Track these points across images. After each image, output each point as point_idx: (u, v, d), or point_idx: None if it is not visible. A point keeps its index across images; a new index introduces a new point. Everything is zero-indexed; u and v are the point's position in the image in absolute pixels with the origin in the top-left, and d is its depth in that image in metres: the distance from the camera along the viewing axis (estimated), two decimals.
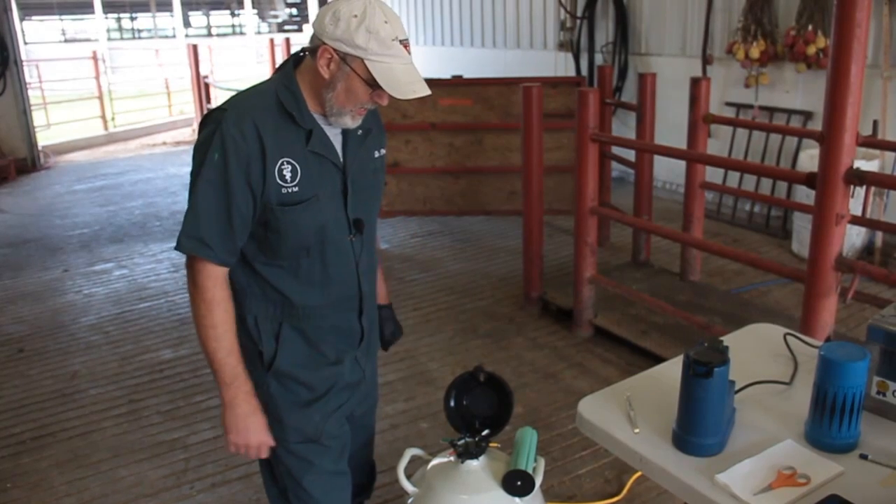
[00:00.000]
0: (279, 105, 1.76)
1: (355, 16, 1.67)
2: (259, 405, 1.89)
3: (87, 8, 24.24)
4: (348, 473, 2.06)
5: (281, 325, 1.90)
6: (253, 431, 1.87)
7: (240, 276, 1.88)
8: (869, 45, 5.37)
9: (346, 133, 1.87)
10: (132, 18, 29.36)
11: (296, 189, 1.78)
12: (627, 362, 4.02)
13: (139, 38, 28.61)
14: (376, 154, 1.98)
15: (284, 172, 1.76)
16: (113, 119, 12.90)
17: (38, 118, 10.67)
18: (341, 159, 1.87)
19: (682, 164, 4.93)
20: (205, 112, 11.06)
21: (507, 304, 4.98)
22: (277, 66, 1.88)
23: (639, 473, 2.93)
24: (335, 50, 1.70)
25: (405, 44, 1.72)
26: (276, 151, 1.74)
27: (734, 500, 1.45)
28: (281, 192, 1.76)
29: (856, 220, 3.67)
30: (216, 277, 1.80)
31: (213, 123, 1.73)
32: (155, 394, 3.99)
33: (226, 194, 1.73)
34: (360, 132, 1.89)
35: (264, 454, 1.92)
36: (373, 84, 1.72)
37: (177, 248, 1.78)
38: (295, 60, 1.83)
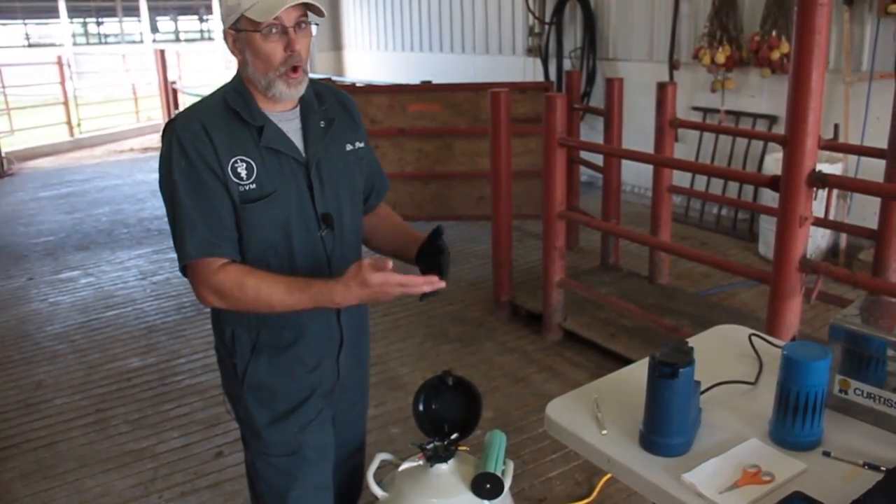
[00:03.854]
0: (226, 105, 1.78)
1: None
2: (339, 281, 1.72)
3: (52, 12, 23.91)
4: (331, 487, 2.02)
5: (259, 334, 1.87)
6: (375, 292, 1.70)
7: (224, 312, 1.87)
8: (831, 51, 5.46)
9: (306, 126, 1.86)
10: (98, 23, 29.02)
11: (253, 186, 1.77)
12: (597, 365, 4.04)
13: (106, 43, 28.31)
14: (348, 147, 1.95)
15: (239, 170, 1.76)
16: (79, 125, 12.74)
17: (1, 124, 10.52)
18: (303, 154, 1.85)
19: (650, 168, 4.97)
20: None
21: (476, 308, 4.99)
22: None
23: (609, 475, 2.95)
24: (228, 28, 1.75)
25: None
26: (227, 150, 1.75)
27: (700, 498, 1.47)
28: (239, 189, 1.76)
29: (819, 223, 3.72)
30: (219, 268, 1.76)
31: (169, 134, 1.75)
32: (122, 403, 3.95)
33: (207, 193, 1.73)
34: (322, 123, 1.87)
35: (402, 278, 1.69)
36: (264, 30, 1.71)
37: (182, 263, 1.76)
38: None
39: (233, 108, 1.77)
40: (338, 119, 1.92)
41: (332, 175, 1.90)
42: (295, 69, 1.75)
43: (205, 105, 1.80)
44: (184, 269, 1.80)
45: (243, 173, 1.76)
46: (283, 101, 1.81)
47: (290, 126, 1.84)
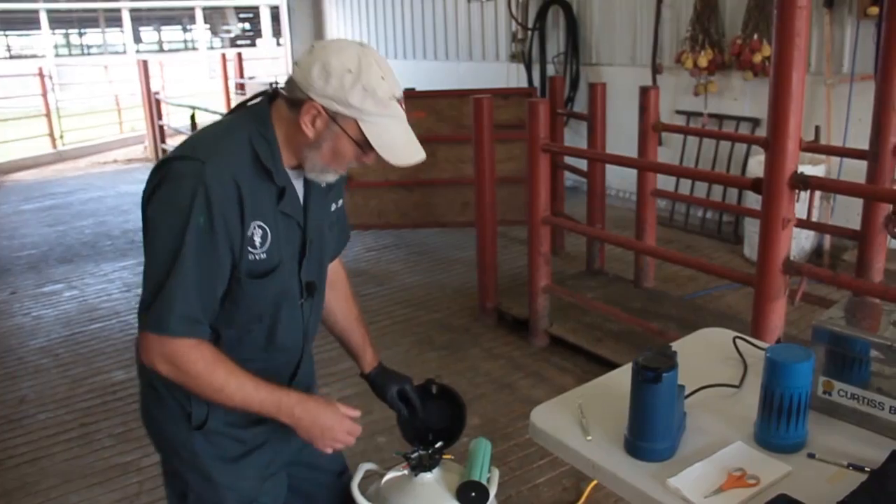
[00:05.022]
0: (255, 157, 1.57)
1: (349, 71, 1.51)
2: (312, 397, 1.73)
3: (34, 23, 23.79)
4: None
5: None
6: (329, 426, 1.71)
7: None
8: (812, 54, 5.50)
9: (308, 186, 1.71)
10: (80, 34, 28.91)
11: (263, 256, 1.62)
12: (583, 370, 4.04)
13: (88, 54, 28.21)
14: (333, 207, 1.83)
15: (255, 238, 1.59)
16: (62, 137, 12.67)
17: None
18: (303, 217, 1.71)
19: (634, 172, 4.98)
20: (162, 148, 10.96)
21: (462, 315, 4.98)
22: (246, 101, 1.68)
23: (596, 481, 2.94)
24: (324, 108, 1.54)
25: (401, 101, 1.59)
26: (251, 213, 1.57)
27: (686, 503, 1.46)
28: (249, 258, 1.60)
29: (802, 224, 3.73)
30: (192, 345, 1.58)
31: (193, 179, 1.49)
32: (107, 416, 3.91)
33: (215, 263, 1.55)
34: (324, 184, 1.72)
35: (358, 429, 1.76)
36: (366, 146, 1.57)
37: (158, 332, 1.54)
38: (267, 98, 1.66)
39: (265, 166, 1.58)
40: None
41: (319, 240, 1.78)
42: (348, 166, 1.66)
43: (235, 154, 1.56)
44: (142, 321, 1.58)
45: (258, 241, 1.59)
46: (314, 180, 1.67)
47: (297, 185, 1.69)
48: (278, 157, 1.61)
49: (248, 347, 1.71)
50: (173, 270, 1.52)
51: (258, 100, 1.66)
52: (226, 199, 1.52)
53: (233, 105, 1.72)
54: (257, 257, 1.61)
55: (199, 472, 1.75)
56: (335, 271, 2.01)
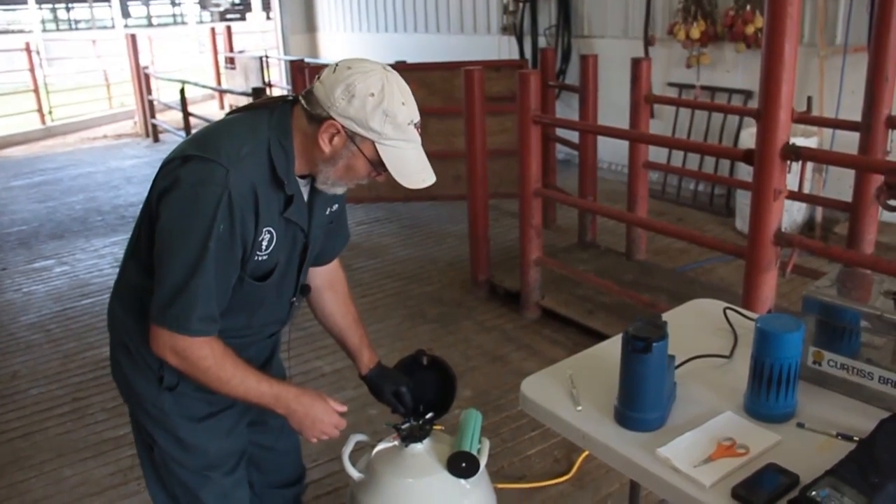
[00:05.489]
0: (271, 166, 1.62)
1: (372, 94, 1.56)
2: (306, 391, 1.82)
3: None
4: (246, 482, 1.98)
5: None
6: (319, 418, 1.82)
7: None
8: (805, 25, 5.48)
9: (313, 193, 1.76)
10: (68, 9, 28.64)
11: (265, 258, 1.69)
12: (575, 343, 4.05)
13: (76, 29, 27.93)
14: (327, 211, 1.87)
15: (263, 242, 1.66)
16: (50, 113, 12.55)
17: None
18: (307, 223, 1.77)
19: (626, 145, 4.96)
20: (152, 123, 10.88)
21: (454, 288, 4.98)
22: (268, 101, 1.71)
23: (587, 452, 2.96)
24: (344, 127, 1.59)
25: (417, 126, 1.64)
26: (263, 219, 1.63)
27: (675, 472, 1.47)
28: (254, 260, 1.67)
29: (794, 196, 3.73)
30: (205, 342, 1.64)
31: (219, 187, 1.54)
32: (99, 391, 3.91)
33: (231, 266, 1.62)
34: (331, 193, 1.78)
35: (343, 422, 1.87)
36: (380, 167, 1.63)
37: (177, 329, 1.59)
38: (289, 105, 1.69)
39: (279, 176, 1.63)
40: None
41: (315, 243, 1.85)
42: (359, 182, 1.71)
43: (255, 161, 1.60)
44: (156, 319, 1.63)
45: (264, 244, 1.66)
46: (325, 191, 1.73)
47: (304, 192, 1.74)
48: (293, 168, 1.66)
49: (225, 337, 1.73)
50: (195, 274, 1.56)
51: (281, 104, 1.69)
52: (245, 206, 1.58)
53: (237, 101, 1.74)
54: (260, 258, 1.68)
55: (164, 428, 1.82)
56: (334, 272, 2.07)
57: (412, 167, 1.65)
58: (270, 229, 1.66)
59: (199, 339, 1.63)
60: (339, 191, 1.75)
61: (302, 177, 1.71)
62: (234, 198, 1.55)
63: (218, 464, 1.87)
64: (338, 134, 1.60)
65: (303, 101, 1.64)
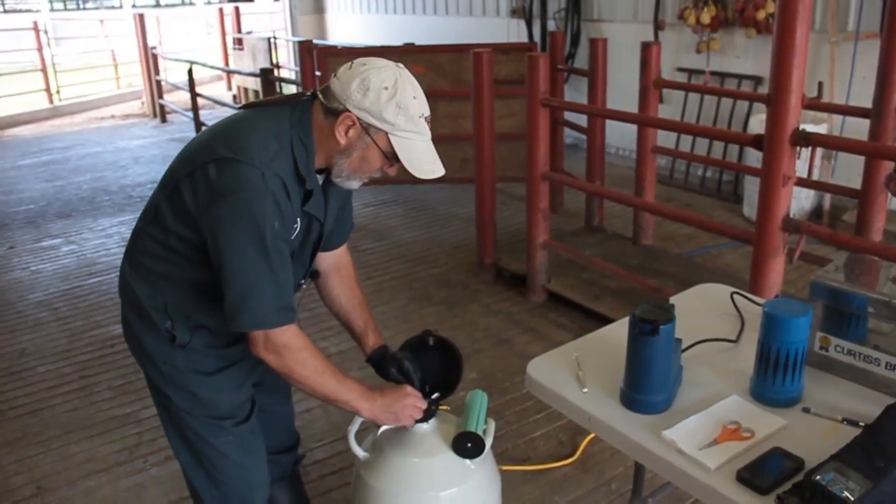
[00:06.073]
0: (294, 163, 1.70)
1: (386, 88, 1.65)
2: (378, 391, 1.90)
3: None
4: (260, 431, 2.06)
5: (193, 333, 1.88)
6: (401, 411, 1.91)
7: (168, 299, 1.84)
8: (816, 11, 5.44)
9: (328, 185, 1.83)
10: None
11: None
12: (581, 326, 4.05)
13: (84, 8, 27.86)
14: (340, 202, 1.97)
15: (292, 232, 1.76)
16: (58, 92, 12.55)
17: None
18: (324, 215, 1.85)
19: (634, 129, 4.94)
20: (160, 104, 10.84)
21: (461, 271, 4.98)
22: (289, 97, 1.79)
23: (592, 435, 2.97)
24: (359, 119, 1.67)
25: (428, 120, 1.72)
26: (295, 211, 1.74)
27: (680, 455, 1.47)
28: None
29: (803, 183, 3.72)
30: (294, 332, 1.74)
31: (262, 191, 1.63)
32: (106, 369, 3.93)
33: (286, 257, 1.72)
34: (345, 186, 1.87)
35: (422, 404, 1.95)
36: (392, 158, 1.71)
37: (261, 326, 1.69)
38: (309, 101, 1.76)
39: (301, 173, 1.71)
40: None
41: (327, 232, 1.94)
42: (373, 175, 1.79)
43: (281, 158, 1.68)
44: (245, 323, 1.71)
45: (292, 234, 1.76)
46: (340, 185, 1.80)
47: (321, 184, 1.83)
48: (313, 164, 1.74)
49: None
50: (264, 271, 1.65)
51: (302, 101, 1.75)
52: (284, 201, 1.68)
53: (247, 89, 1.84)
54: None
55: (177, 384, 1.90)
56: (341, 256, 2.13)
57: (423, 158, 1.72)
58: (298, 219, 1.75)
59: (288, 329, 1.71)
60: (354, 185, 1.81)
61: (319, 171, 1.78)
62: (276, 196, 1.64)
63: (230, 414, 1.95)
64: (353, 126, 1.68)
65: (321, 97, 1.72)
